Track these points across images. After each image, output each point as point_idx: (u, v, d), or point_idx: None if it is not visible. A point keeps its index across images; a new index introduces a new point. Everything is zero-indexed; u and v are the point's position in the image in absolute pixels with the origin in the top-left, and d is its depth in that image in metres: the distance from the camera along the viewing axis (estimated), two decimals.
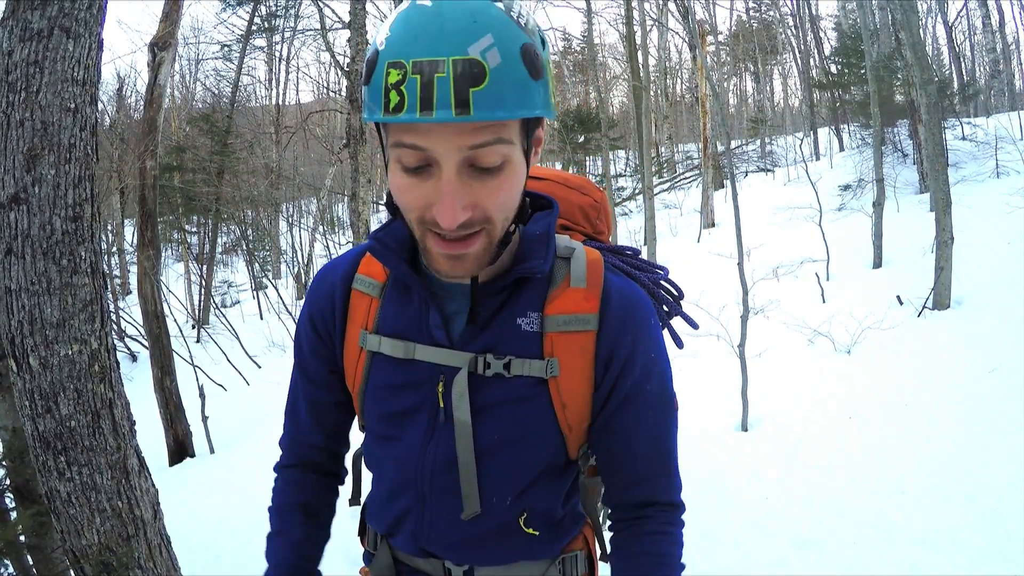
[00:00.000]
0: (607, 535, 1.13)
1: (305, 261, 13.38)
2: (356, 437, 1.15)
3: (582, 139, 15.95)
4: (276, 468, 1.14)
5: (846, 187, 12.23)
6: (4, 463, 2.89)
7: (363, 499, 1.18)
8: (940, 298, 6.53)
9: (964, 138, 12.92)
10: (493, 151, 0.74)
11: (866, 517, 3.22)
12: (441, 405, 0.94)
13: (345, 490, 1.19)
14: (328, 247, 14.52)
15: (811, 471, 3.77)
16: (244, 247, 13.56)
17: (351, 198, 8.96)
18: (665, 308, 1.14)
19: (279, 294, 10.61)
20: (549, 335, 0.91)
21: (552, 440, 0.95)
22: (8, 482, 2.92)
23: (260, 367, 9.49)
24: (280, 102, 16.38)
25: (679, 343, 1.17)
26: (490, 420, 0.92)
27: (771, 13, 25.09)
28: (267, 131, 15.52)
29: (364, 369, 0.98)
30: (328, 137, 15.71)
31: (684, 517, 1.04)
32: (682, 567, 1.01)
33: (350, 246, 9.85)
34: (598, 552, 1.13)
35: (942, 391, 4.63)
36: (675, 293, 1.16)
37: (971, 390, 4.54)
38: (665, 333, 1.13)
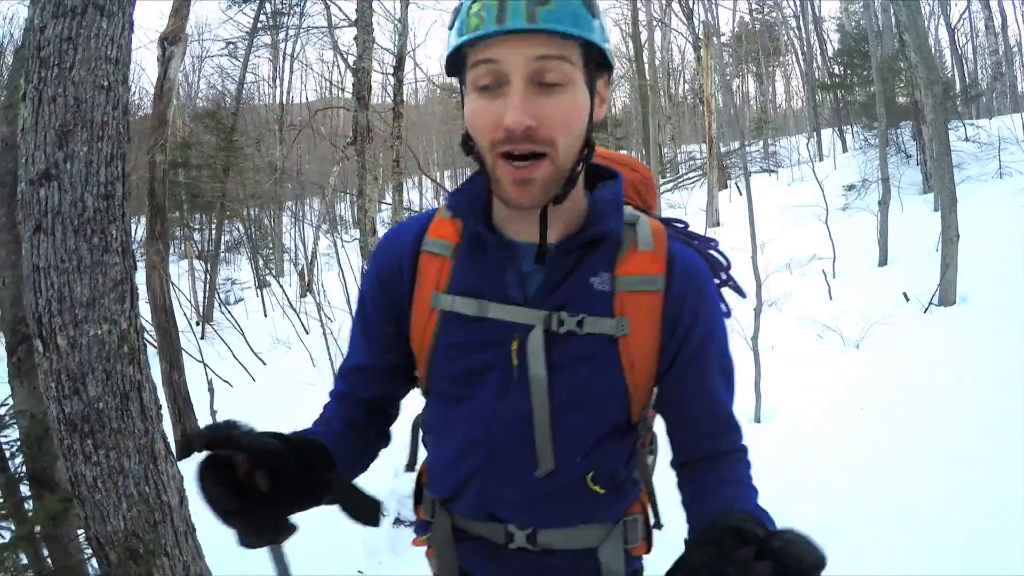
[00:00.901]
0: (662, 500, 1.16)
1: (309, 259, 13.34)
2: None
3: None
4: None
5: (850, 187, 12.25)
6: (23, 451, 2.85)
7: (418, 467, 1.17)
8: (946, 294, 6.59)
9: (967, 139, 12.93)
10: (557, 66, 0.82)
11: (879, 503, 3.29)
12: (515, 363, 0.94)
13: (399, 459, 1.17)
14: (335, 244, 14.35)
15: (825, 459, 3.83)
16: (249, 242, 13.50)
17: (358, 195, 8.97)
18: (723, 275, 1.15)
19: (284, 291, 10.56)
20: (619, 295, 0.94)
21: (619, 399, 0.97)
22: (24, 470, 2.89)
23: (265, 364, 9.46)
24: (284, 100, 16.36)
25: (727, 312, 1.18)
26: (564, 377, 0.94)
27: (773, 15, 25.14)
28: (271, 128, 15.46)
29: (434, 329, 0.99)
30: (331, 135, 15.66)
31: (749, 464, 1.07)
32: (755, 490, 1.00)
33: (356, 243, 9.84)
34: (652, 520, 1.14)
35: (949, 384, 4.69)
36: (724, 264, 1.16)
37: (977, 383, 4.61)
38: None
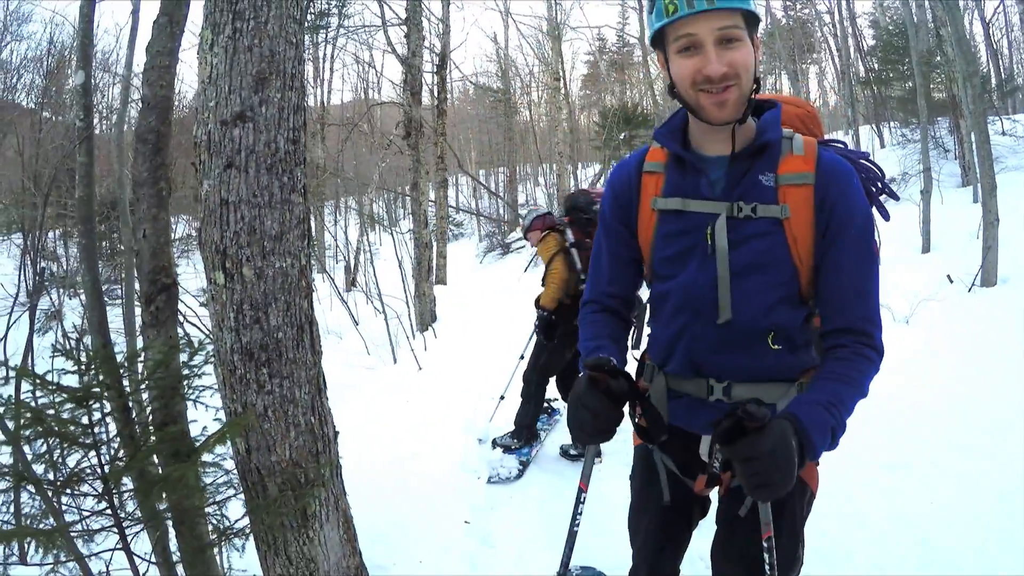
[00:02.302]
0: None
1: (355, 253, 13.51)
2: None
3: (623, 136, 16.14)
4: (581, 305, 1.58)
5: (891, 180, 12.17)
6: (154, 402, 2.90)
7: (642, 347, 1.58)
8: (988, 275, 6.85)
9: (1004, 133, 12.84)
10: (733, 31, 1.20)
11: (940, 443, 3.66)
12: (709, 241, 1.31)
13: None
14: (391, 238, 14.40)
15: (888, 405, 4.10)
16: None
17: (412, 187, 9.16)
18: (878, 184, 1.44)
19: (333, 282, 10.73)
20: (782, 188, 1.29)
21: (787, 268, 1.30)
22: (150, 420, 2.91)
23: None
24: (325, 100, 16.62)
25: (886, 215, 1.50)
26: (742, 249, 1.30)
27: (806, 11, 25.03)
28: (318, 125, 15.63)
29: (655, 225, 1.41)
30: (373, 133, 15.89)
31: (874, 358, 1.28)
32: (861, 392, 1.26)
33: (410, 235, 10.05)
34: None
35: (995, 351, 4.98)
36: (878, 172, 1.45)
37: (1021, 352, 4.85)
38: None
